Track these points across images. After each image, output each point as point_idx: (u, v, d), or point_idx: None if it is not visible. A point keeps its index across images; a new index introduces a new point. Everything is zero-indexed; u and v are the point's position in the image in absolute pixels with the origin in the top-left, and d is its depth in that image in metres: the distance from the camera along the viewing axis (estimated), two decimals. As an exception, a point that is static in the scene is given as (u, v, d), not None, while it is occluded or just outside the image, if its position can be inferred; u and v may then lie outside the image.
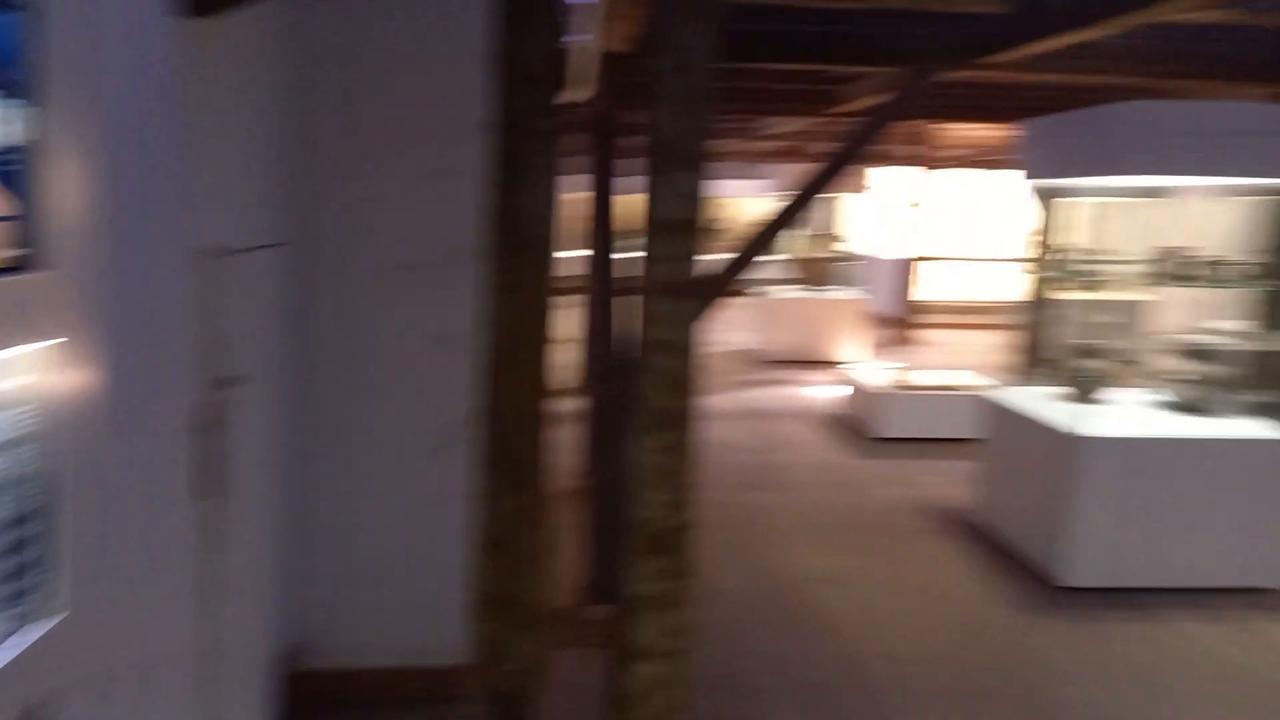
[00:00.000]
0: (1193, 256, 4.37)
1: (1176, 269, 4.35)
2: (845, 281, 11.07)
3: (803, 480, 5.93)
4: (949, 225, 14.26)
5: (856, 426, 7.27)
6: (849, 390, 7.70)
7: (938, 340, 12.12)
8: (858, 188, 11.88)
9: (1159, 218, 6.32)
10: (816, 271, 10.92)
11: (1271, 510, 4.24)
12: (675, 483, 2.13)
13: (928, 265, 12.75)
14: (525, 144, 1.87)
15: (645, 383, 2.12)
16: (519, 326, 1.90)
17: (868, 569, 4.50)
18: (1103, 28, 3.82)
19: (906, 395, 6.99)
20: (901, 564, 4.59)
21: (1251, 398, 4.55)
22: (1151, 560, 4.24)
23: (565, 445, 3.98)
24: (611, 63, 3.68)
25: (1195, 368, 4.59)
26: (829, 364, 9.90)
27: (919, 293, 12.48)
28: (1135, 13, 3.39)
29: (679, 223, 2.11)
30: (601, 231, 3.96)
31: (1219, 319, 5.44)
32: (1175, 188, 4.88)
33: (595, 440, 3.70)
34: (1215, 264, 4.33)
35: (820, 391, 8.74)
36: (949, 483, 5.84)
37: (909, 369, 7.81)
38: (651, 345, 2.09)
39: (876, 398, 7.02)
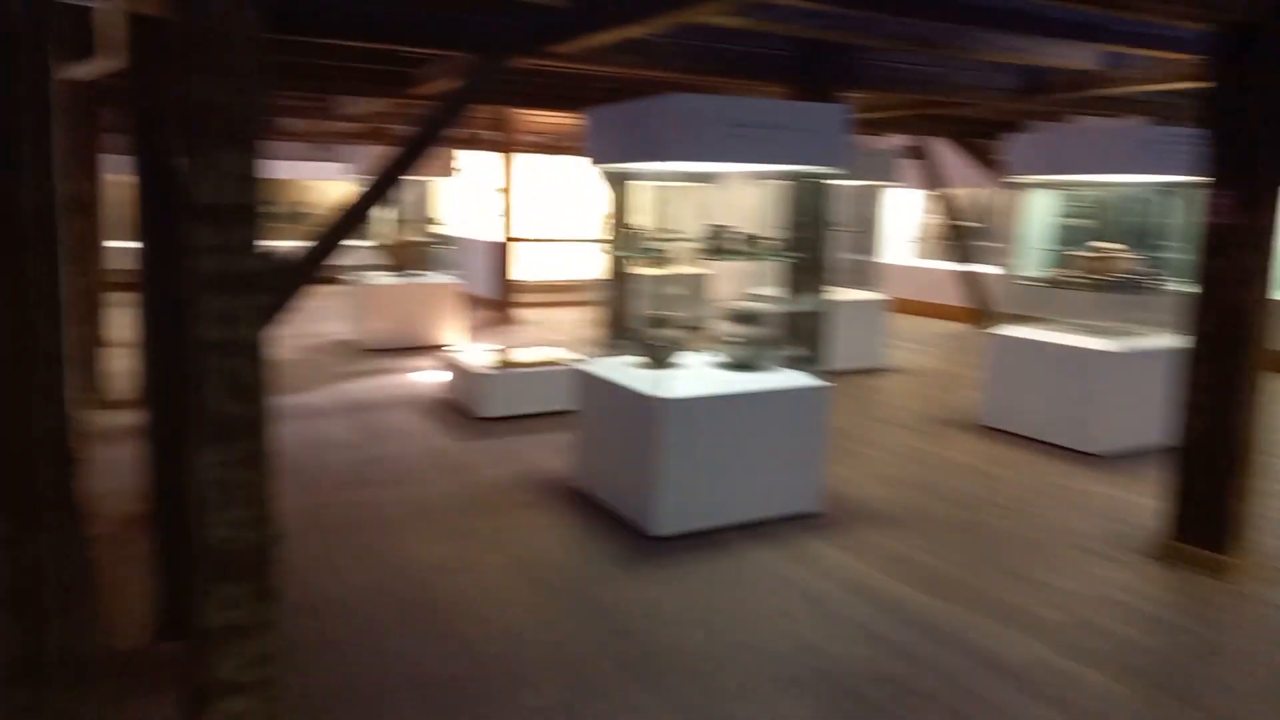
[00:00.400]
0: (734, 233, 4.99)
1: (722, 244, 4.94)
2: (441, 265, 11.03)
3: (412, 470, 5.82)
4: (538, 208, 14.87)
5: (461, 409, 7.31)
6: (451, 374, 7.70)
7: (534, 319, 12.61)
8: (447, 171, 11.87)
9: (709, 200, 7.16)
10: (410, 256, 10.74)
11: (809, 446, 5.02)
12: (250, 497, 1.94)
13: (520, 247, 13.17)
14: (7, 118, 1.55)
15: (205, 389, 1.89)
16: (21, 337, 1.57)
17: (482, 550, 4.54)
18: (645, 25, 4.20)
19: (507, 374, 7.16)
20: (513, 540, 4.70)
21: (787, 352, 5.34)
22: (724, 501, 4.81)
23: (124, 466, 3.46)
24: (143, 29, 3.22)
25: (743, 330, 5.27)
26: (429, 349, 9.83)
27: (514, 274, 12.86)
28: (666, 14, 3.77)
29: (229, 208, 1.90)
30: (150, 219, 3.47)
31: (761, 286, 6.31)
32: (722, 173, 5.55)
33: (157, 457, 3.26)
34: (751, 239, 5.00)
35: (422, 378, 8.64)
36: (552, 455, 6.11)
37: (508, 348, 8.01)
38: (207, 347, 1.87)
39: (478, 379, 7.10)
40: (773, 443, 4.91)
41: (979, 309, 11.99)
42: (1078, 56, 6.11)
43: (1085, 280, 6.69)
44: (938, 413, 7.74)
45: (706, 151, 4.32)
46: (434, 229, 11.46)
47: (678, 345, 5.25)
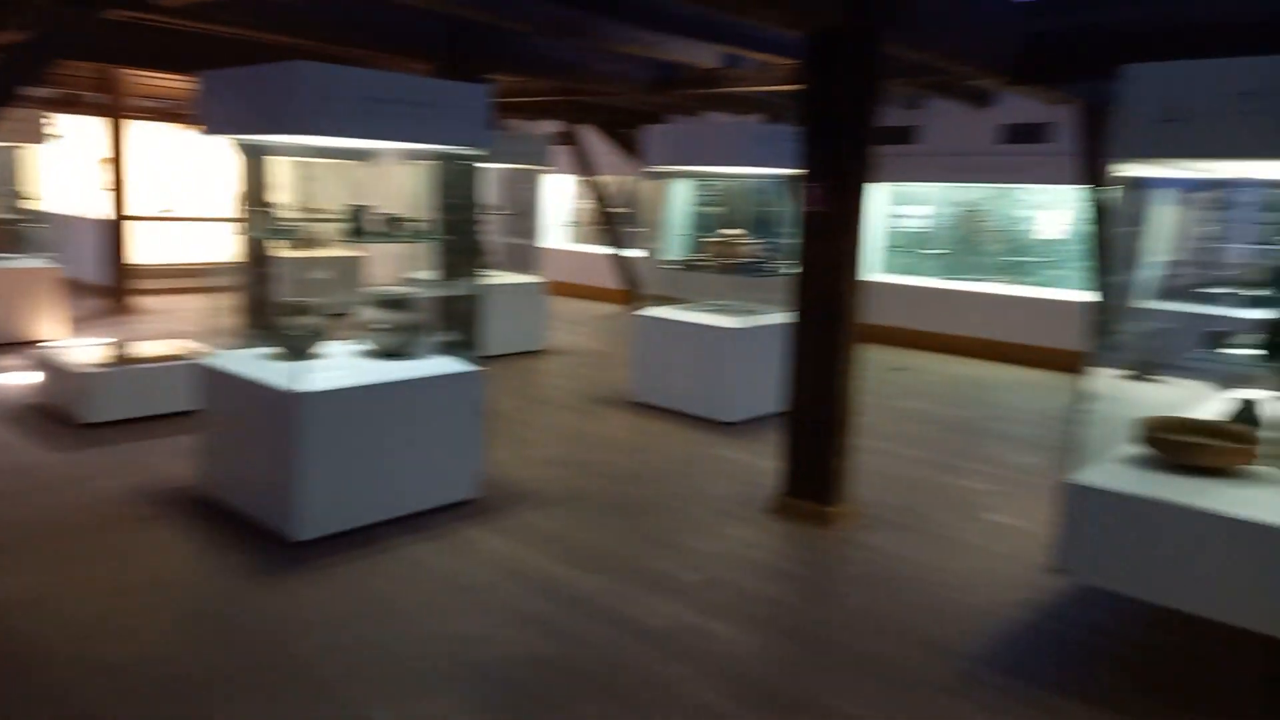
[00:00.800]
0: (376, 214, 4.74)
1: (362, 226, 4.66)
2: (33, 247, 9.40)
3: (-13, 492, 4.87)
4: (160, 182, 13.20)
5: (60, 415, 6.26)
6: (44, 374, 6.57)
7: (156, 308, 11.18)
8: (39, 137, 10.05)
9: (360, 178, 6.76)
10: (-12, 236, 9.01)
11: (464, 433, 4.93)
12: None
13: (139, 226, 11.58)
14: None
15: None
16: None
17: (85, 577, 3.90)
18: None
19: (119, 372, 6.26)
20: (127, 562, 4.10)
21: (440, 338, 5.20)
22: (375, 496, 4.57)
23: None
24: None
25: (391, 316, 5.04)
26: (18, 345, 8.33)
27: (130, 257, 11.28)
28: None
29: None
30: None
31: (415, 270, 6.09)
32: (372, 150, 5.22)
33: None
34: (393, 220, 4.77)
35: (8, 379, 7.29)
36: (174, 461, 5.43)
37: (121, 342, 7.02)
38: None
39: (83, 379, 6.12)
40: (425, 432, 4.76)
41: (629, 291, 12.66)
42: (701, 55, 6.60)
43: (714, 263, 7.29)
44: (592, 391, 8.03)
45: (336, 126, 4.02)
46: (23, 204, 9.71)
47: (319, 334, 4.90)
